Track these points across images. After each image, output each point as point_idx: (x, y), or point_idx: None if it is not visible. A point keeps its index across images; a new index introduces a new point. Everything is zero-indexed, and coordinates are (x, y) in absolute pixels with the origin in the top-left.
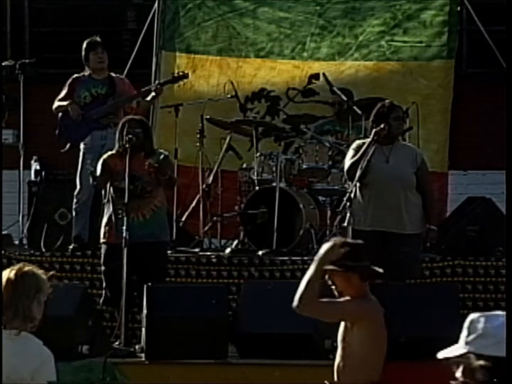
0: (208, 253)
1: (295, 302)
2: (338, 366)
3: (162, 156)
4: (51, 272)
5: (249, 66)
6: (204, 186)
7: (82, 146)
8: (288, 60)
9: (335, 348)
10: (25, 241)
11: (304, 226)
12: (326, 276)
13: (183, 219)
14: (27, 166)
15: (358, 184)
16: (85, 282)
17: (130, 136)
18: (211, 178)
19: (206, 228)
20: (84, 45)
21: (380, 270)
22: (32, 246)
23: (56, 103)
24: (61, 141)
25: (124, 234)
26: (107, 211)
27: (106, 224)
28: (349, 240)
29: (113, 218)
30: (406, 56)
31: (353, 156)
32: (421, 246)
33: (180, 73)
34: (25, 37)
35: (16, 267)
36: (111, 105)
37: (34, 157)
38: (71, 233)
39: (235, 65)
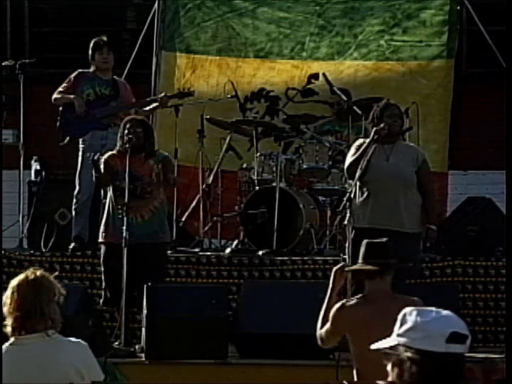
0: (208, 253)
1: (319, 342)
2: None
3: (163, 156)
4: (55, 274)
5: (249, 66)
6: (204, 186)
7: (80, 144)
8: (287, 60)
9: (335, 348)
10: (25, 241)
11: (304, 226)
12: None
13: (183, 219)
14: (27, 166)
15: (358, 183)
16: (85, 282)
17: (130, 136)
18: (211, 178)
19: (206, 228)
20: (91, 44)
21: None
22: (32, 246)
23: (57, 95)
24: (60, 134)
25: (124, 234)
26: (106, 210)
27: (105, 224)
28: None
29: (110, 217)
30: (405, 55)
31: (354, 154)
32: (421, 245)
33: (186, 90)
34: (25, 37)
35: (30, 271)
36: (114, 108)
37: (34, 157)
38: (71, 233)
39: (234, 65)
